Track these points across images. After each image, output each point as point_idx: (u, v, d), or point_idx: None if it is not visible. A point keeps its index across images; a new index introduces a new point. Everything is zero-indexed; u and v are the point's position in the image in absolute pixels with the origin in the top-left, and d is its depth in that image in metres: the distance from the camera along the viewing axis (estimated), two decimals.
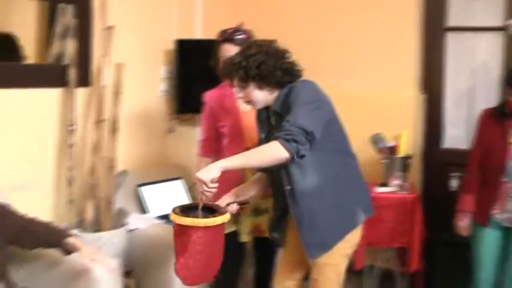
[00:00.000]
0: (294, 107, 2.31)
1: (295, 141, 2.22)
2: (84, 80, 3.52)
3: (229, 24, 3.10)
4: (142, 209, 3.59)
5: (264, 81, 2.41)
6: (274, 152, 2.25)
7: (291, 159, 2.25)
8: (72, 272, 2.66)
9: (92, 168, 3.41)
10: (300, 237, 2.46)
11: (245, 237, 3.02)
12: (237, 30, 3.00)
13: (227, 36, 2.98)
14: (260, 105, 2.50)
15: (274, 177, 2.53)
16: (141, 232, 3.32)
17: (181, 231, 2.36)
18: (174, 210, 2.38)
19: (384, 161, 3.71)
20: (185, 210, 2.41)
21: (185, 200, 3.79)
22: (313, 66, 4.25)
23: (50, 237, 2.64)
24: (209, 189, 2.28)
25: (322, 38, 4.27)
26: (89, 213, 3.34)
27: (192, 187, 3.86)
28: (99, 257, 2.56)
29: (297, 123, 2.24)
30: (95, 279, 2.63)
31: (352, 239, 2.51)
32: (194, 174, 2.34)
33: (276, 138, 2.25)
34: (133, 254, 3.29)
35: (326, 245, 2.44)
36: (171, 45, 4.13)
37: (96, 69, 3.57)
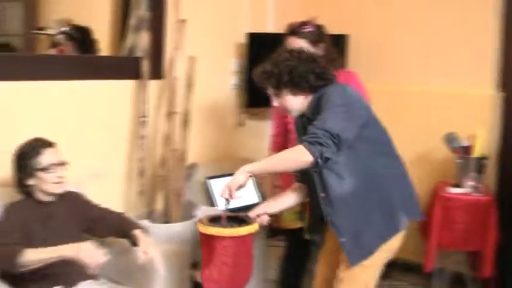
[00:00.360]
0: (322, 110, 2.24)
1: (319, 143, 2.13)
2: (157, 72, 3.57)
3: (301, 17, 3.04)
4: (211, 202, 3.60)
5: (297, 87, 2.34)
6: (298, 156, 2.18)
7: (316, 163, 2.16)
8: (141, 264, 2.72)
9: (162, 160, 3.45)
10: (340, 244, 2.35)
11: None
12: (304, 23, 2.95)
13: (293, 29, 2.94)
14: (296, 112, 2.44)
15: (310, 185, 2.45)
16: None
17: (206, 242, 2.34)
18: (201, 220, 2.37)
19: (458, 161, 3.58)
20: (214, 220, 2.38)
21: (253, 194, 3.79)
22: (384, 62, 4.20)
23: (121, 227, 2.69)
24: (235, 197, 2.27)
25: (395, 33, 4.15)
26: (159, 205, 3.38)
27: (260, 182, 3.86)
28: (152, 251, 2.57)
29: (322, 126, 2.16)
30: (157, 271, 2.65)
31: (393, 245, 2.38)
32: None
33: (301, 142, 2.19)
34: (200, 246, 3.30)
35: (367, 252, 2.33)
36: (242, 39, 4.11)
37: (169, 62, 3.61)
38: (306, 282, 3.26)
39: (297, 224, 3.03)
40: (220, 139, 4.04)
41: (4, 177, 2.71)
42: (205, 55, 3.70)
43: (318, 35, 2.96)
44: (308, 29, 2.92)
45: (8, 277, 2.49)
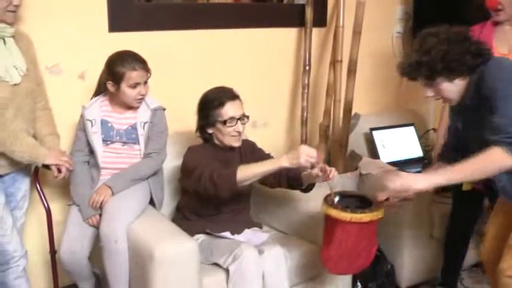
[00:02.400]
0: (497, 98, 1.99)
1: None
2: (321, 19, 3.49)
3: None
4: (374, 154, 3.50)
5: (453, 72, 2.09)
6: (499, 161, 1.98)
7: None
8: (308, 214, 2.72)
9: (326, 109, 3.38)
10: None
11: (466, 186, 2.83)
12: None
13: None
14: (455, 100, 2.19)
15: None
16: (371, 177, 3.24)
17: (329, 221, 2.25)
18: (327, 200, 2.26)
19: None
20: (345, 197, 2.31)
21: (417, 146, 3.63)
22: None
23: (290, 174, 2.64)
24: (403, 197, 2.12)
25: None
26: (322, 155, 3.34)
27: (423, 135, 3.69)
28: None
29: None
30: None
31: None
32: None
33: (494, 143, 1.97)
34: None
35: None
36: None
37: (332, 9, 3.50)
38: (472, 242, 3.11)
39: (468, 186, 2.85)
40: (384, 90, 3.88)
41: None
42: (370, 1, 3.53)
43: None
44: None
45: (183, 219, 2.60)
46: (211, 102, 2.57)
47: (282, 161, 2.31)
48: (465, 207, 2.99)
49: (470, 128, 2.20)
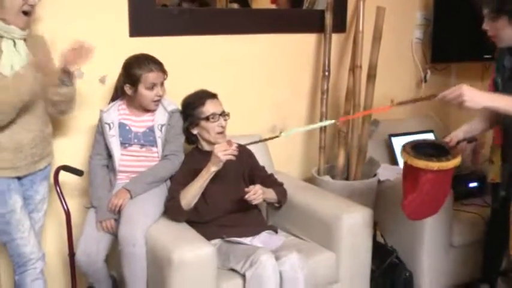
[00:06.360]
0: None
1: None
2: (340, 25, 3.47)
3: None
4: (392, 160, 3.48)
5: None
6: None
7: None
8: (325, 220, 2.71)
9: (345, 114, 3.36)
10: None
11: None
12: None
13: None
14: (504, 44, 2.25)
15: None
16: (390, 184, 3.22)
17: (411, 172, 2.32)
18: (405, 149, 2.34)
19: None
20: (415, 147, 2.35)
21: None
22: None
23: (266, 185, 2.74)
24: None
25: None
26: (340, 161, 3.32)
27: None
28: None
29: None
30: (345, 228, 2.65)
31: None
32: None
33: None
34: (380, 205, 3.22)
35: None
36: None
37: (352, 14, 3.49)
38: None
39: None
40: (403, 95, 3.85)
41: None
42: (389, 6, 3.51)
43: None
44: None
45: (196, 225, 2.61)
46: (193, 103, 2.71)
47: (210, 167, 2.52)
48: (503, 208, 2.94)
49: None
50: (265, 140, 2.66)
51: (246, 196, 2.54)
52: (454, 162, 2.26)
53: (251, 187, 2.56)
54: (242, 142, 2.78)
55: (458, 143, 2.43)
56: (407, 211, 2.39)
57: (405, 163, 2.33)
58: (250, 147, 2.77)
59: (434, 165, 2.23)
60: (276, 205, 2.80)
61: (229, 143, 2.50)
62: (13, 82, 2.23)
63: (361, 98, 3.29)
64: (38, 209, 2.57)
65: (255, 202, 2.58)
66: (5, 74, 2.25)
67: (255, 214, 2.81)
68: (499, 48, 2.37)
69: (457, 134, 2.46)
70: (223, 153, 2.48)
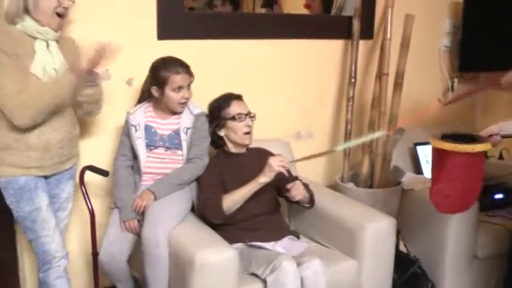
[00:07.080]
0: None
1: None
2: (368, 32, 3.46)
3: None
4: (417, 169, 3.45)
5: None
6: None
7: None
8: (348, 228, 2.70)
9: (370, 122, 3.35)
10: None
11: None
12: None
13: None
14: None
15: None
16: (414, 193, 3.19)
17: (438, 157, 2.34)
18: (434, 136, 2.35)
19: None
20: (445, 137, 2.37)
21: None
22: None
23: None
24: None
25: None
26: (364, 168, 3.31)
27: None
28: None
29: None
30: (368, 236, 2.63)
31: None
32: None
33: None
34: (403, 214, 3.19)
35: None
36: None
37: (380, 21, 3.47)
38: None
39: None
40: (429, 104, 3.81)
41: None
42: (418, 14, 3.49)
43: None
44: None
45: (219, 228, 2.61)
46: (219, 105, 2.74)
47: (260, 178, 2.56)
48: None
49: None
50: (317, 155, 2.61)
51: (291, 190, 2.59)
52: (482, 146, 2.27)
53: (291, 183, 2.61)
54: (265, 146, 2.80)
55: (491, 136, 2.43)
56: (436, 200, 2.39)
57: (433, 150, 2.36)
58: (277, 152, 2.77)
59: (462, 147, 2.24)
60: (307, 205, 2.79)
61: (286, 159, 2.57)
62: (55, 84, 2.28)
63: (387, 105, 3.27)
64: (63, 208, 2.60)
65: (297, 198, 2.63)
66: (37, 75, 2.29)
67: (278, 218, 2.82)
68: None
69: (492, 129, 2.46)
70: (278, 163, 2.51)
